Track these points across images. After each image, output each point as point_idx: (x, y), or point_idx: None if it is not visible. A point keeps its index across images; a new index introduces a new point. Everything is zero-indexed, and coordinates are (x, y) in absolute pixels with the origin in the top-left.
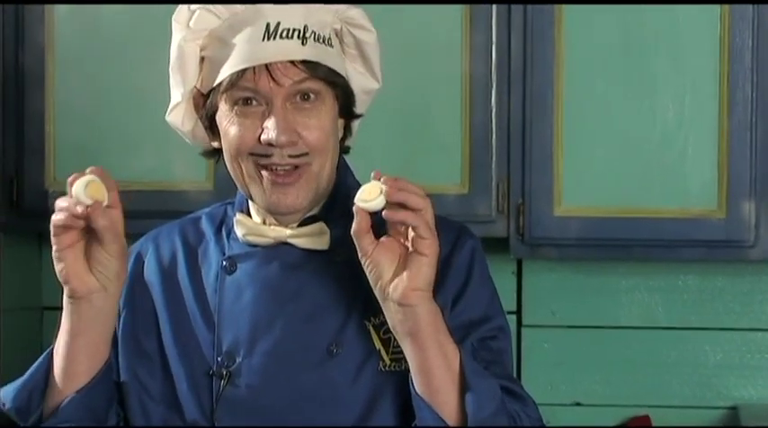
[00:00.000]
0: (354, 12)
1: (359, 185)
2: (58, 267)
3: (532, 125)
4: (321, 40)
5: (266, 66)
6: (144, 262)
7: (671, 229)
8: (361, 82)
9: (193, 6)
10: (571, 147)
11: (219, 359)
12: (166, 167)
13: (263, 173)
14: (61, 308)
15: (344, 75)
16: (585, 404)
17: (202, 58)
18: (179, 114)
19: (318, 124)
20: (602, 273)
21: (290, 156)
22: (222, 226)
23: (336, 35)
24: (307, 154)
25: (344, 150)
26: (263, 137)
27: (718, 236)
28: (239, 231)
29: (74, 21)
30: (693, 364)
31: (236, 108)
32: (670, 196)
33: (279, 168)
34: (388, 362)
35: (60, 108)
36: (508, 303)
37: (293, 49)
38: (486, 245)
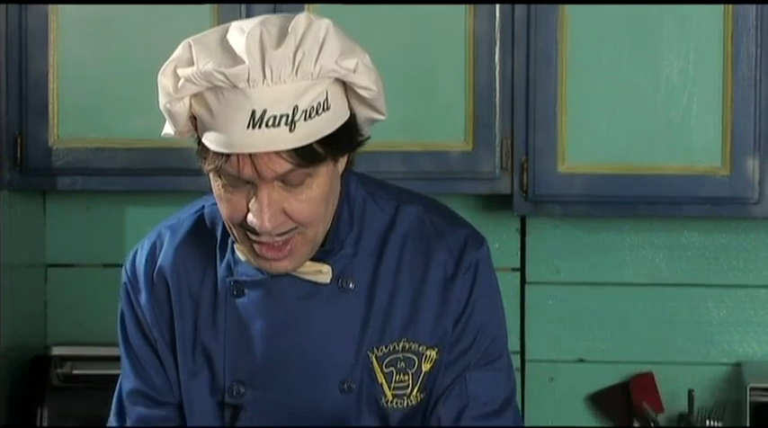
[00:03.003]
0: (353, 77)
1: (367, 195)
2: None
3: (536, 82)
4: (315, 112)
5: (250, 154)
6: (153, 281)
7: (675, 186)
8: (366, 113)
9: (179, 72)
10: (575, 105)
11: (230, 388)
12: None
13: (252, 238)
14: (65, 265)
15: (347, 115)
16: (589, 360)
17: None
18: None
19: (311, 197)
20: (606, 230)
21: (279, 235)
22: (228, 234)
23: (336, 80)
24: (297, 227)
25: (350, 163)
26: (249, 219)
27: (722, 193)
28: (241, 257)
29: None
30: (697, 321)
31: (222, 178)
32: (674, 153)
33: (268, 242)
34: (390, 398)
35: (64, 67)
36: (512, 260)
37: (279, 139)
38: (489, 202)
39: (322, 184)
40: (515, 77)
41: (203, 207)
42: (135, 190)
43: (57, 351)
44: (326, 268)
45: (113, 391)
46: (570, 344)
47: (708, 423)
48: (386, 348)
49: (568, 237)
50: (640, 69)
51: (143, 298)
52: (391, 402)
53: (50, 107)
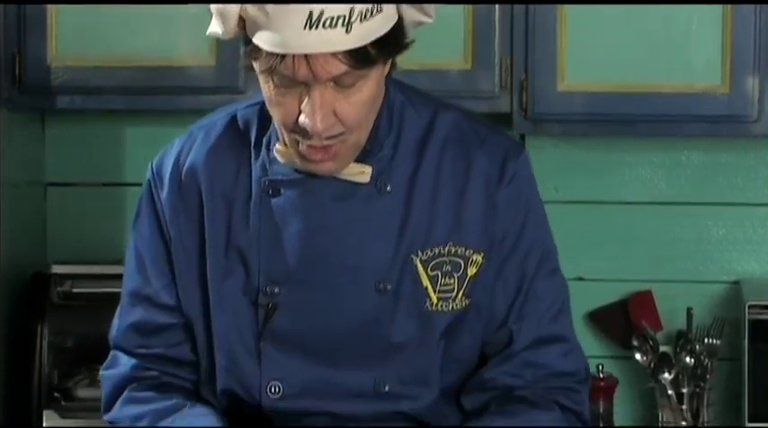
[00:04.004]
0: None
1: (405, 99)
2: None
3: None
4: (370, 14)
5: (306, 54)
6: (181, 176)
7: (675, 105)
8: (414, 16)
9: None
10: (575, 23)
11: (264, 288)
12: (169, 43)
13: (299, 140)
14: (64, 184)
15: (396, 18)
16: (588, 279)
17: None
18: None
19: (360, 99)
20: (605, 149)
21: (328, 138)
22: (262, 134)
23: None
24: (344, 132)
25: (392, 67)
26: (301, 120)
27: (721, 112)
28: (280, 158)
29: None
30: (696, 239)
31: (275, 79)
32: (674, 71)
33: (316, 145)
34: (435, 301)
35: None
36: None
37: (336, 40)
38: (488, 120)
39: (372, 87)
40: None
41: (236, 109)
42: (134, 109)
43: (56, 269)
44: (368, 169)
45: (113, 309)
46: (569, 263)
47: (706, 340)
48: (431, 251)
49: (568, 156)
50: None
51: (165, 193)
52: (436, 305)
53: (49, 23)
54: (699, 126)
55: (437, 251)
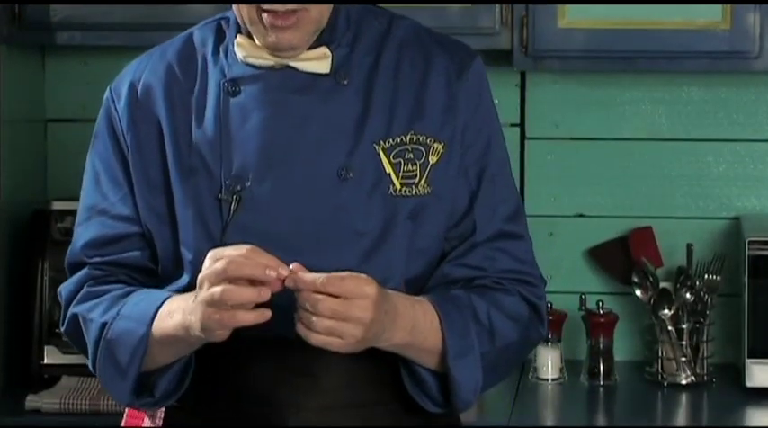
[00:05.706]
0: None
1: (362, 7)
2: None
3: None
4: None
5: None
6: (137, 89)
7: (675, 41)
8: None
9: None
10: None
11: (227, 183)
12: None
13: (264, 15)
14: (64, 120)
15: None
16: (588, 215)
17: None
18: None
19: None
20: (605, 85)
21: (290, 3)
22: (219, 44)
23: None
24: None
25: None
26: None
27: (722, 48)
28: (240, 53)
29: None
30: (696, 175)
31: None
32: (675, 7)
33: (279, 11)
34: (398, 186)
35: None
36: (511, 115)
37: None
38: (489, 57)
39: None
40: None
41: (192, 30)
42: (134, 45)
43: (57, 205)
44: (328, 52)
45: None
46: (569, 199)
47: (706, 276)
48: (393, 140)
49: (568, 92)
50: None
51: (122, 104)
52: (400, 190)
53: None
54: (699, 62)
55: (399, 139)
